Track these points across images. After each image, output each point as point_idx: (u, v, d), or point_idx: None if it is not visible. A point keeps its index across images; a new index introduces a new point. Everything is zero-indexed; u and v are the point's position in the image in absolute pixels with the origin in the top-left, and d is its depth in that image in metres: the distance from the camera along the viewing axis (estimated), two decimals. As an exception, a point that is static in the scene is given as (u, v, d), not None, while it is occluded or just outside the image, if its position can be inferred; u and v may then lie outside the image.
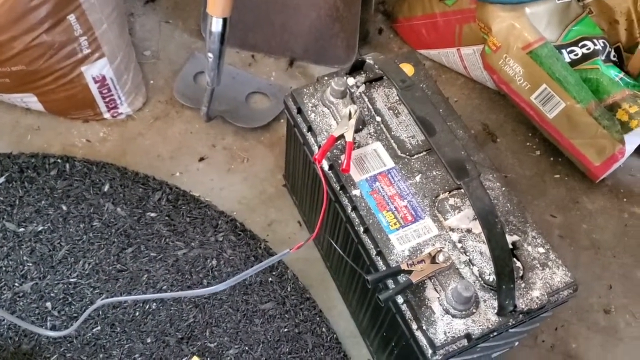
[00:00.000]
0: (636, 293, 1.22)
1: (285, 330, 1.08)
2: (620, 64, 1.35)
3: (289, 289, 1.12)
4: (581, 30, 1.31)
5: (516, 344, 1.03)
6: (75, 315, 1.06)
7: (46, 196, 1.17)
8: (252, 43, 1.44)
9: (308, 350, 1.07)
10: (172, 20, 1.48)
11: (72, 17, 1.12)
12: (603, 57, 1.29)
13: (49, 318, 1.06)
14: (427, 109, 0.86)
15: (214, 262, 1.13)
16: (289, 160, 1.17)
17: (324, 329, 1.09)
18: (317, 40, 1.41)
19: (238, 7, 1.32)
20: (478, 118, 1.41)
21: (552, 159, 1.36)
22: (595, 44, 1.29)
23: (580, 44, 1.29)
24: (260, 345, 1.07)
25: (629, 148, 1.23)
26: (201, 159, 1.28)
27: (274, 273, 1.13)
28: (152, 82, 1.38)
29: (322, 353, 1.07)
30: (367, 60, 0.99)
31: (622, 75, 1.29)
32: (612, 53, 1.33)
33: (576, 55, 1.29)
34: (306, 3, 1.36)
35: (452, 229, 0.90)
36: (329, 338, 1.08)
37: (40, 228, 1.14)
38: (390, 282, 0.85)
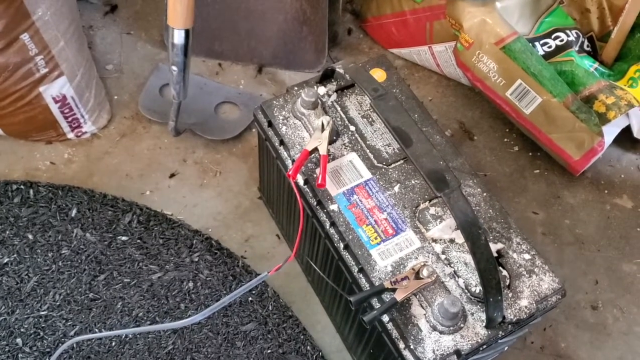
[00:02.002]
0: (622, 286, 1.20)
1: (269, 351, 1.04)
2: (594, 54, 1.33)
3: (270, 308, 1.08)
4: (553, 22, 1.29)
5: (505, 349, 1.01)
6: (48, 350, 1.01)
7: (10, 225, 1.12)
8: (218, 51, 1.40)
9: (293, 370, 1.04)
10: (133, 32, 1.43)
11: (25, 37, 1.07)
12: (577, 48, 1.27)
13: (20, 355, 1.01)
14: (402, 119, 0.83)
15: (191, 284, 1.09)
16: (263, 172, 1.13)
17: (308, 347, 1.05)
18: (286, 44, 1.37)
19: (202, 14, 1.28)
20: (454, 116, 1.38)
21: (530, 154, 1.34)
22: (568, 35, 1.27)
23: (553, 36, 1.27)
24: (244, 368, 1.03)
25: (608, 139, 1.21)
26: (172, 175, 1.24)
27: (253, 292, 1.09)
28: (116, 97, 1.33)
29: (308, 371, 1.04)
30: (337, 70, 0.95)
31: (596, 65, 1.27)
32: (586, 43, 1.31)
33: (550, 47, 1.26)
34: (272, 8, 1.32)
35: (434, 240, 0.87)
36: (314, 356, 1.05)
37: (5, 260, 1.09)
38: (374, 301, 0.82)
